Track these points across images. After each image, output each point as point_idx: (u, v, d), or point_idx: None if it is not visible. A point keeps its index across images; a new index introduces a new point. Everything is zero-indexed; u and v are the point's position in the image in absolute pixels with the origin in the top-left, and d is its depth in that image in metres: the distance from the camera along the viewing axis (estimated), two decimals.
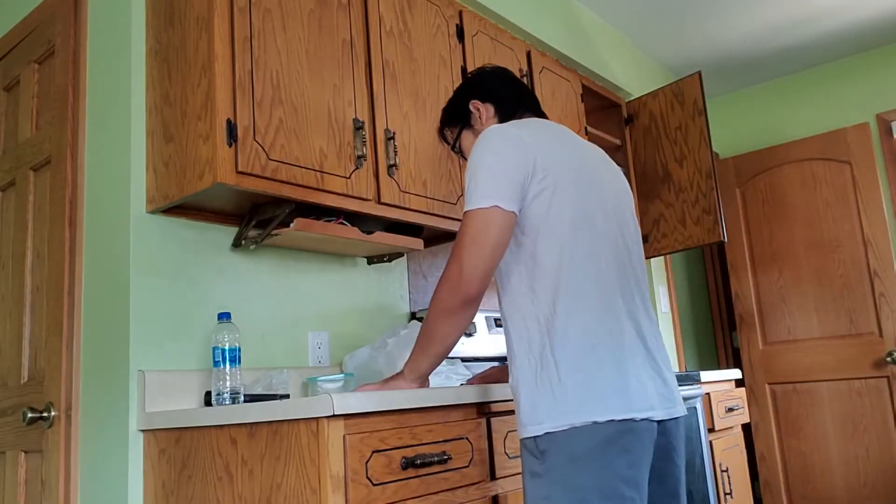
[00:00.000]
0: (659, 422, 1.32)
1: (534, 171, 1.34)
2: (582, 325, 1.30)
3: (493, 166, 1.35)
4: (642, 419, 1.26)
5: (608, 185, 1.46)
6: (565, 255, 1.33)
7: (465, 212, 1.36)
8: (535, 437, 1.28)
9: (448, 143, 1.73)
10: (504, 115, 1.58)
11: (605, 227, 1.39)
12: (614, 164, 1.57)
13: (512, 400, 1.70)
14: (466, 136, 1.65)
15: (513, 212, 1.33)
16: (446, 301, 1.39)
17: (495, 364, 2.65)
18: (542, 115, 1.61)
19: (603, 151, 1.56)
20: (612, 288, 1.36)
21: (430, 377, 1.54)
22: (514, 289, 1.38)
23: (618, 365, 1.29)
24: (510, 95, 1.60)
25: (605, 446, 1.23)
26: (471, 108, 1.62)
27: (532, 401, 1.30)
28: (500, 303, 1.43)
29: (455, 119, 1.67)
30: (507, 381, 1.84)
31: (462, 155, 1.69)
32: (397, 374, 1.53)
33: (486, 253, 1.34)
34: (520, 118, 1.56)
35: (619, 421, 1.24)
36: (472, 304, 1.39)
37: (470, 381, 1.94)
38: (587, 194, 1.38)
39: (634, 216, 1.53)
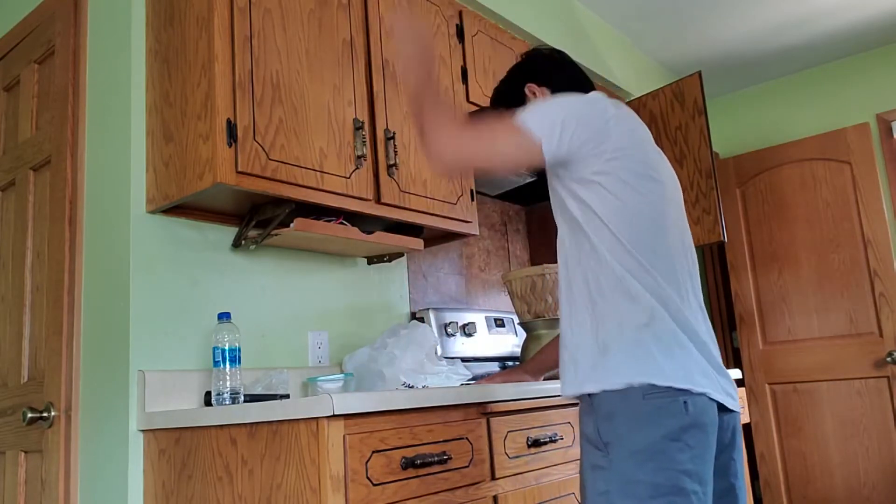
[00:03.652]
0: (720, 415, 1.30)
1: (606, 144, 1.30)
2: (642, 316, 1.27)
3: (568, 114, 1.31)
4: (699, 392, 1.23)
5: (665, 168, 1.44)
6: (630, 222, 1.30)
7: (517, 120, 1.32)
8: (594, 417, 1.26)
9: None
10: None
11: (668, 213, 1.37)
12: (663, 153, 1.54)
13: (513, 400, 1.71)
14: None
15: (546, 158, 1.30)
16: (433, 141, 1.33)
17: (495, 365, 2.65)
18: None
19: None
20: (683, 267, 1.35)
21: (431, 374, 1.53)
22: (575, 250, 1.35)
23: (681, 348, 1.27)
24: (567, 81, 1.57)
25: (667, 442, 1.21)
26: (526, 91, 1.58)
27: (591, 363, 1.28)
28: (560, 285, 1.40)
29: (509, 102, 1.62)
30: (520, 380, 1.85)
31: None
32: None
33: (485, 157, 1.33)
34: None
35: (678, 389, 1.21)
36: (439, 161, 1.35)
37: (480, 381, 1.94)
38: (650, 178, 1.35)
39: (683, 204, 1.51)
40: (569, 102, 1.36)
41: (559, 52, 1.64)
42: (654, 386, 1.22)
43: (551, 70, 1.59)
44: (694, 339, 1.29)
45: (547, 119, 1.32)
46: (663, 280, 1.30)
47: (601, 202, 1.31)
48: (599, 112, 1.34)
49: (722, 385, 1.32)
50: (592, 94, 1.42)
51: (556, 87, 1.56)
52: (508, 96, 1.64)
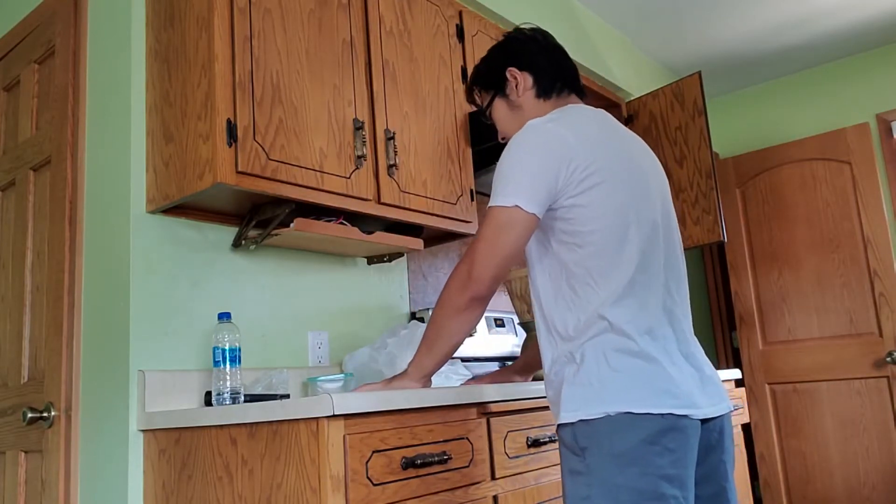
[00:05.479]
0: (703, 420, 1.28)
1: (574, 170, 1.29)
2: (622, 321, 1.27)
3: (523, 166, 1.31)
4: (682, 415, 1.22)
5: (651, 175, 1.41)
6: (609, 249, 1.29)
7: (488, 208, 1.33)
8: (571, 425, 1.25)
9: (477, 106, 1.63)
10: (542, 89, 1.49)
11: (650, 221, 1.35)
12: (651, 151, 1.51)
13: (513, 400, 1.71)
14: (499, 104, 1.54)
15: (534, 214, 1.29)
16: (454, 298, 1.37)
17: (495, 365, 2.65)
18: (580, 90, 1.53)
19: (641, 140, 1.51)
20: (656, 286, 1.33)
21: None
22: (550, 285, 1.35)
23: (658, 361, 1.26)
24: (550, 67, 1.50)
25: (646, 446, 1.19)
26: (507, 75, 1.50)
27: (570, 392, 1.28)
28: (534, 298, 1.40)
29: (489, 83, 1.55)
30: (509, 381, 1.85)
31: (492, 123, 1.59)
32: (401, 373, 1.52)
33: (501, 254, 1.31)
34: (558, 94, 1.49)
35: (659, 416, 1.20)
36: (481, 303, 1.37)
37: (471, 382, 1.94)
38: (631, 187, 1.33)
39: (673, 207, 1.48)
40: (516, 159, 1.33)
41: (542, 32, 1.55)
42: (630, 413, 1.21)
43: (534, 53, 1.51)
44: (663, 356, 1.27)
45: (511, 184, 1.31)
46: (633, 299, 1.29)
47: (569, 228, 1.31)
48: (551, 147, 1.31)
49: (706, 393, 1.30)
50: (547, 125, 1.35)
51: (539, 72, 1.50)
52: (488, 78, 1.56)
